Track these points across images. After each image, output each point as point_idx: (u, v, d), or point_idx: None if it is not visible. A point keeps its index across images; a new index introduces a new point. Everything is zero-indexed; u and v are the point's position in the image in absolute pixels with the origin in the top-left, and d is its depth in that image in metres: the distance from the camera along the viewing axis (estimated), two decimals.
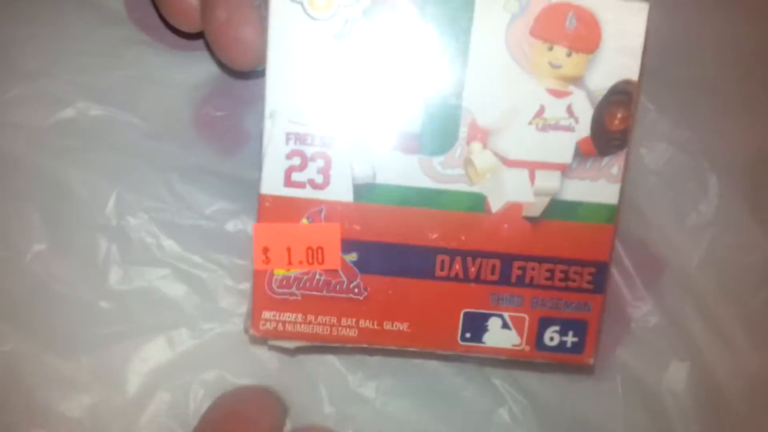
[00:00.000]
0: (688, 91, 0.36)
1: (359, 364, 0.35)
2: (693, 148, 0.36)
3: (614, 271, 0.36)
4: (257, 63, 0.29)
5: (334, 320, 0.29)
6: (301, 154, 0.28)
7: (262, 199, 0.28)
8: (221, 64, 0.35)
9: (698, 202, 0.36)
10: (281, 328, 0.29)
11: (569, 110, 0.29)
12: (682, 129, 0.36)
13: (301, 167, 0.28)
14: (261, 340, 0.30)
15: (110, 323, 0.33)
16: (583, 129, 0.29)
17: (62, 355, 0.33)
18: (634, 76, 0.29)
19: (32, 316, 0.32)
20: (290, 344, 0.30)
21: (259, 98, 0.31)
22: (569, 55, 0.28)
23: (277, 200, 0.28)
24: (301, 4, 0.27)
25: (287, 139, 0.28)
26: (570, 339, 0.30)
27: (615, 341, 0.36)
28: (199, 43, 0.36)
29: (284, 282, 0.29)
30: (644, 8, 0.28)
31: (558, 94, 0.28)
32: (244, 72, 0.31)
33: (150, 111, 0.34)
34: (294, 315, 0.29)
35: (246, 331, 0.30)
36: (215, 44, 0.30)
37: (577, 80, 0.28)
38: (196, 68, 0.35)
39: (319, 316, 0.29)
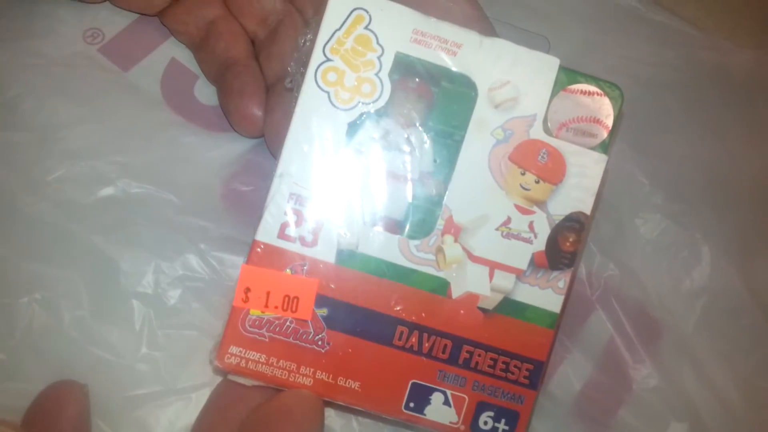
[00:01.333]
0: (678, 166, 0.41)
1: None
2: (685, 220, 0.40)
3: (615, 335, 0.39)
4: None
5: (293, 366, 0.32)
6: (299, 214, 0.32)
7: (255, 244, 0.32)
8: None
9: (692, 269, 0.39)
10: (243, 365, 0.32)
11: (530, 226, 0.33)
12: (675, 202, 0.40)
13: (296, 224, 0.32)
14: (222, 372, 0.33)
15: (144, 384, 0.35)
16: (540, 244, 0.33)
17: (100, 415, 0.34)
18: (587, 210, 0.34)
19: (72, 378, 0.33)
20: (248, 382, 0.32)
21: None
22: (537, 182, 0.33)
23: (268, 248, 0.32)
24: (328, 93, 0.32)
25: (289, 198, 0.32)
26: (502, 426, 0.33)
27: (617, 402, 0.38)
28: (226, 124, 0.40)
29: (257, 322, 0.32)
30: (603, 159, 0.34)
31: (524, 211, 0.33)
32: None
33: (183, 187, 0.38)
34: (258, 354, 0.32)
35: (210, 362, 0.32)
36: (274, 137, 0.36)
37: (540, 203, 0.33)
38: (225, 148, 0.39)
39: (281, 360, 0.32)
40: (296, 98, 0.33)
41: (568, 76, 0.34)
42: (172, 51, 0.42)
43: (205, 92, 0.41)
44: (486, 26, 0.36)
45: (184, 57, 0.42)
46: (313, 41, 0.33)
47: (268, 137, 0.38)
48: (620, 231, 0.41)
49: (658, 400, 0.39)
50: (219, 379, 0.35)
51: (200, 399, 0.35)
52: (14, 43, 0.39)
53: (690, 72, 0.44)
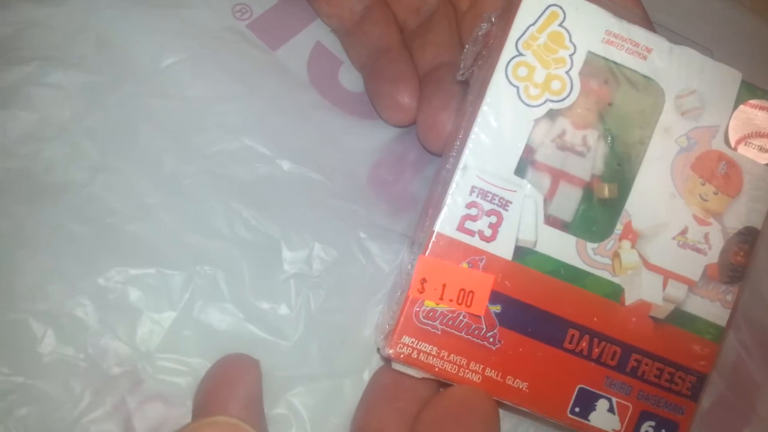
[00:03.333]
0: None
1: None
2: None
3: (743, 355, 0.38)
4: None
5: (464, 361, 0.31)
6: (479, 207, 0.31)
7: (433, 235, 0.31)
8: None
9: None
10: (415, 356, 0.31)
11: (706, 237, 0.32)
12: None
13: (476, 218, 0.31)
14: (389, 360, 0.31)
15: (299, 366, 0.34)
16: (713, 256, 0.32)
17: None
18: (759, 224, 0.33)
19: (229, 353, 0.32)
20: (417, 373, 0.31)
21: (424, 166, 0.35)
22: (716, 193, 0.32)
23: (447, 240, 0.31)
24: (517, 88, 0.31)
25: (471, 191, 0.31)
26: None
27: (742, 423, 0.37)
28: (371, 111, 0.39)
29: (431, 314, 0.31)
30: None
31: (701, 221, 0.32)
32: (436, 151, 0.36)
33: (334, 171, 0.36)
34: (430, 347, 0.31)
35: (380, 350, 0.31)
36: (429, 127, 0.34)
37: (717, 215, 0.32)
38: (369, 134, 0.38)
39: (452, 354, 0.31)
40: (478, 92, 0.32)
41: (748, 90, 0.33)
42: (317, 34, 0.41)
43: (348, 78, 0.40)
44: (652, 30, 0.35)
45: (329, 42, 0.41)
46: (495, 35, 0.32)
47: (422, 126, 0.36)
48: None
49: None
50: (370, 367, 0.34)
51: (352, 385, 0.34)
52: (168, 10, 0.38)
53: None
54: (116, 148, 0.34)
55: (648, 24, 0.34)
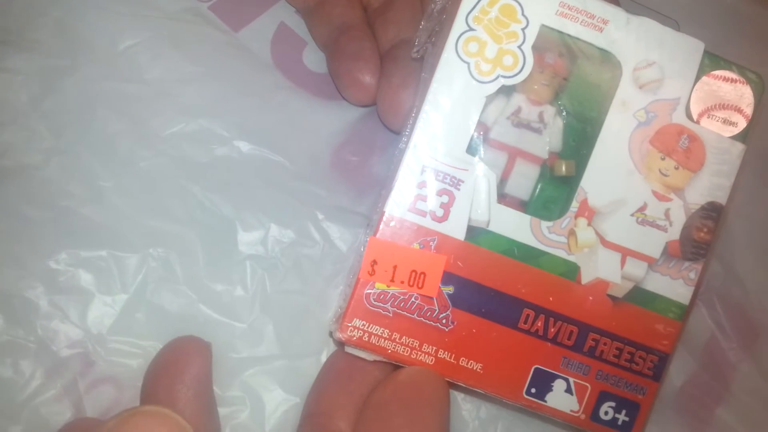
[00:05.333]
0: None
1: None
2: None
3: (716, 333, 0.36)
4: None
5: (416, 343, 0.30)
6: (431, 187, 0.30)
7: (383, 216, 0.29)
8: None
9: None
10: (366, 339, 0.29)
11: (666, 214, 0.31)
12: None
13: (427, 198, 0.30)
14: (342, 344, 0.30)
15: (254, 347, 0.32)
16: (674, 233, 0.31)
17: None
18: (723, 200, 0.31)
19: (182, 334, 0.31)
20: (368, 356, 0.30)
21: (389, 147, 0.33)
22: (677, 168, 0.31)
23: (398, 221, 0.29)
24: (468, 64, 0.30)
25: (422, 171, 0.30)
26: (622, 417, 0.30)
27: (716, 401, 0.36)
28: (336, 91, 0.37)
29: (381, 296, 0.29)
30: (743, 149, 0.31)
31: (661, 197, 0.31)
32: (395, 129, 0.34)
33: (295, 153, 0.35)
34: (381, 329, 0.29)
35: (331, 334, 0.30)
36: (388, 104, 0.33)
37: (678, 190, 0.31)
38: (333, 115, 0.37)
39: (404, 337, 0.30)
40: (429, 71, 0.30)
41: (711, 60, 0.31)
42: (281, 15, 0.39)
43: (313, 59, 0.39)
44: (614, 2, 0.33)
45: (293, 22, 0.39)
46: (449, 10, 0.30)
47: (382, 104, 0.35)
48: (725, 229, 0.38)
49: (757, 402, 0.37)
50: (328, 348, 0.33)
51: (309, 366, 0.32)
52: None
53: None
54: (72, 132, 0.33)
55: None
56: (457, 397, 0.33)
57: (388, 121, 0.35)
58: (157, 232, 0.32)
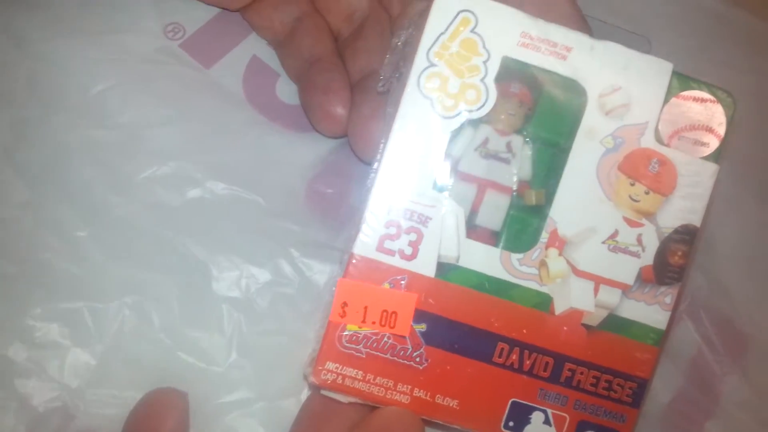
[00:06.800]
0: (767, 172, 0.37)
1: None
2: None
3: (703, 347, 0.36)
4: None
5: (390, 383, 0.29)
6: (398, 226, 0.29)
7: (352, 257, 0.29)
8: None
9: None
10: (340, 381, 0.29)
11: (639, 239, 0.30)
12: (766, 209, 0.37)
13: (395, 237, 0.29)
14: (317, 388, 0.30)
15: (234, 391, 0.32)
16: (648, 258, 0.30)
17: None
18: (697, 222, 0.30)
19: (161, 384, 0.31)
20: (344, 398, 0.30)
21: (366, 176, 0.33)
22: (647, 193, 0.30)
23: (366, 262, 0.29)
24: (431, 100, 0.29)
25: (389, 210, 0.29)
26: None
27: (705, 415, 0.35)
28: (308, 124, 0.37)
29: (354, 338, 0.29)
30: (716, 170, 0.30)
31: (632, 223, 0.30)
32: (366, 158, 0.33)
33: (269, 189, 0.35)
34: (355, 371, 0.29)
35: (305, 377, 0.30)
36: (359, 135, 0.33)
37: (649, 215, 0.30)
38: (307, 148, 0.36)
39: (378, 377, 0.29)
40: (395, 103, 0.30)
41: (680, 81, 0.30)
42: (253, 48, 0.39)
43: (286, 91, 0.38)
44: (584, 25, 0.33)
45: (265, 54, 0.39)
46: (410, 43, 0.30)
47: (353, 135, 0.34)
48: (710, 241, 0.38)
49: (747, 415, 0.36)
50: (308, 387, 0.32)
51: (290, 407, 0.32)
52: (99, 37, 0.36)
53: None
54: (46, 183, 0.33)
55: (576, 19, 0.32)
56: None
57: (359, 153, 0.35)
58: (132, 280, 0.32)
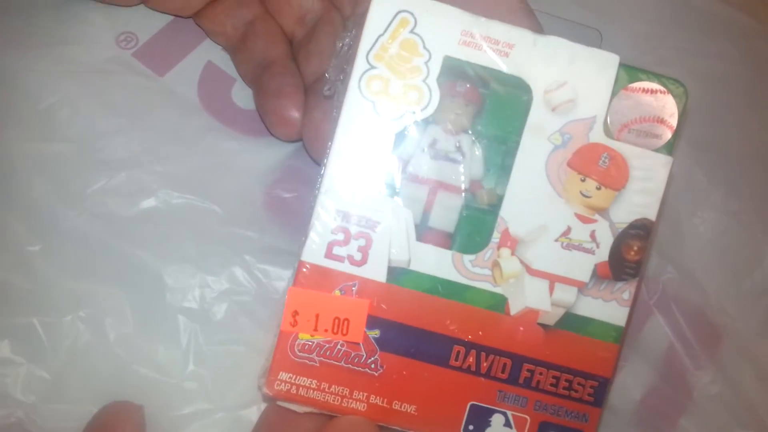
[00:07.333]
0: (738, 162, 0.37)
1: None
2: (746, 218, 0.36)
3: (675, 341, 0.35)
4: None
5: (346, 391, 0.29)
6: (346, 231, 0.29)
7: (301, 265, 0.29)
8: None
9: (753, 270, 0.36)
10: (294, 391, 0.29)
11: (592, 235, 0.30)
12: (735, 200, 0.36)
13: (344, 243, 0.29)
14: (271, 399, 0.30)
15: (192, 402, 0.32)
16: (603, 254, 0.30)
17: None
18: (652, 216, 0.30)
19: (117, 397, 0.31)
20: (299, 408, 0.29)
21: None
22: (599, 188, 0.30)
23: (316, 269, 0.29)
24: (373, 103, 0.29)
25: (336, 216, 0.29)
26: None
27: (679, 411, 0.35)
28: (266, 129, 0.37)
29: (306, 347, 0.29)
30: (669, 161, 0.30)
31: (584, 219, 0.30)
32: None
33: (225, 196, 0.35)
34: (309, 380, 0.29)
35: (259, 388, 0.30)
36: (312, 138, 0.33)
37: (602, 211, 0.30)
38: (265, 153, 0.36)
39: (333, 386, 0.29)
40: (339, 109, 0.29)
41: (629, 73, 0.30)
42: (208, 54, 0.39)
43: (242, 96, 0.38)
44: (531, 19, 0.32)
45: (221, 60, 0.39)
46: (353, 46, 0.30)
47: (307, 138, 0.34)
48: (678, 232, 0.37)
49: (721, 408, 0.36)
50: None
51: (249, 417, 0.32)
52: (48, 50, 0.36)
53: (747, 63, 0.40)
54: None
55: (523, 14, 0.32)
56: None
57: (314, 156, 0.34)
58: (85, 293, 0.32)
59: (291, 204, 0.36)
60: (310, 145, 0.34)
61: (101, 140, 0.35)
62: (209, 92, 0.38)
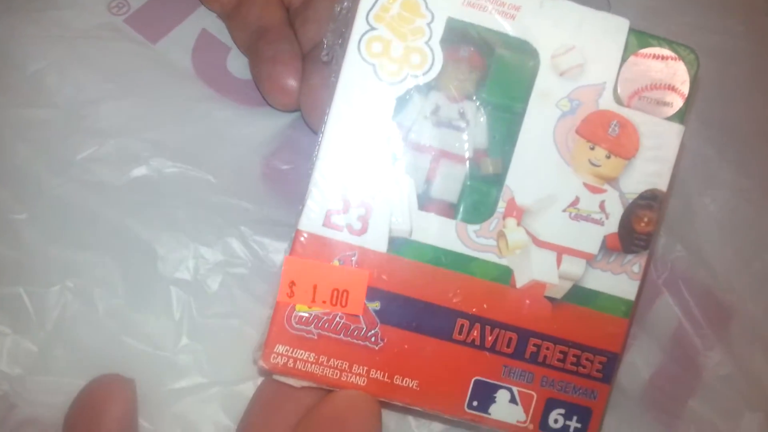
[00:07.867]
0: (748, 139, 0.36)
1: None
2: (756, 196, 0.36)
3: (683, 320, 0.35)
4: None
5: (345, 365, 0.28)
6: (345, 199, 0.28)
7: (298, 234, 0.28)
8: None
9: (763, 249, 0.35)
10: (291, 365, 0.28)
11: (601, 206, 0.29)
12: (745, 177, 0.36)
13: (343, 211, 0.28)
14: (267, 373, 0.29)
15: (185, 376, 0.31)
16: (612, 225, 0.29)
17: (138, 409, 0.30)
18: (663, 186, 0.29)
19: (106, 370, 0.30)
20: (296, 382, 0.29)
21: None
22: (608, 157, 0.29)
23: (313, 238, 0.28)
24: (374, 65, 0.28)
25: (334, 183, 0.28)
26: (573, 424, 0.29)
27: (687, 392, 0.34)
28: (262, 98, 0.36)
29: (303, 319, 0.28)
30: (681, 130, 0.29)
31: (593, 189, 0.29)
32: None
33: (220, 166, 0.34)
34: (307, 353, 0.28)
35: (255, 362, 0.29)
36: (310, 106, 0.32)
37: (612, 180, 0.29)
38: (262, 123, 0.35)
39: (332, 359, 0.28)
40: (337, 72, 0.28)
41: (638, 39, 0.29)
42: (203, 22, 0.38)
43: (238, 65, 0.37)
44: None
45: (216, 28, 0.38)
46: (352, 9, 0.29)
47: (304, 106, 0.33)
48: (687, 210, 0.36)
49: (730, 389, 0.35)
50: None
51: (245, 392, 0.31)
52: (38, 14, 0.35)
53: (756, 40, 0.39)
54: None
55: None
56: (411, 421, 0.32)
57: (312, 125, 0.33)
58: (73, 263, 0.31)
59: (288, 175, 0.35)
60: (307, 114, 0.33)
61: (90, 107, 0.34)
62: (203, 61, 0.37)
